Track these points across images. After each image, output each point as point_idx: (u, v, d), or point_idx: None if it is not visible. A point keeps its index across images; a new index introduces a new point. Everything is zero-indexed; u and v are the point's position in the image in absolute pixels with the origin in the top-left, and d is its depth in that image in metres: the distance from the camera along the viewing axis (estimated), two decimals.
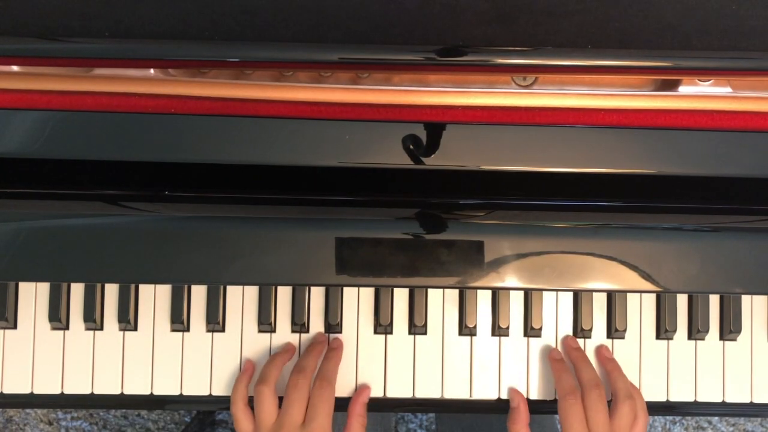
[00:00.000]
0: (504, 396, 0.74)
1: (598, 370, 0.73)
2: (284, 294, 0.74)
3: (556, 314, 0.75)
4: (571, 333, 0.75)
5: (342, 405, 0.72)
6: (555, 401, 0.73)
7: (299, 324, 0.73)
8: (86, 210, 0.63)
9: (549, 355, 0.74)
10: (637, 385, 0.74)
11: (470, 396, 0.74)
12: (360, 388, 0.73)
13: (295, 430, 0.65)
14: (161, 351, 0.73)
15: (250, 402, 0.70)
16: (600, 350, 0.74)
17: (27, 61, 0.60)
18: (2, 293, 0.72)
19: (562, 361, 0.72)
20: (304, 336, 0.74)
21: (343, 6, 0.56)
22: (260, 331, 0.74)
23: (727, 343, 0.75)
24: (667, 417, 1.42)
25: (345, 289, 0.73)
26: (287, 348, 0.73)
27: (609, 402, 0.69)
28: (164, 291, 0.73)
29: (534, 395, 0.74)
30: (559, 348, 0.74)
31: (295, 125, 0.60)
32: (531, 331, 0.74)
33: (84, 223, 0.63)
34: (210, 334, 0.73)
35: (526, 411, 0.71)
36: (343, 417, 0.72)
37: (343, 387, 0.73)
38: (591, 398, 0.67)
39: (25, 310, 0.73)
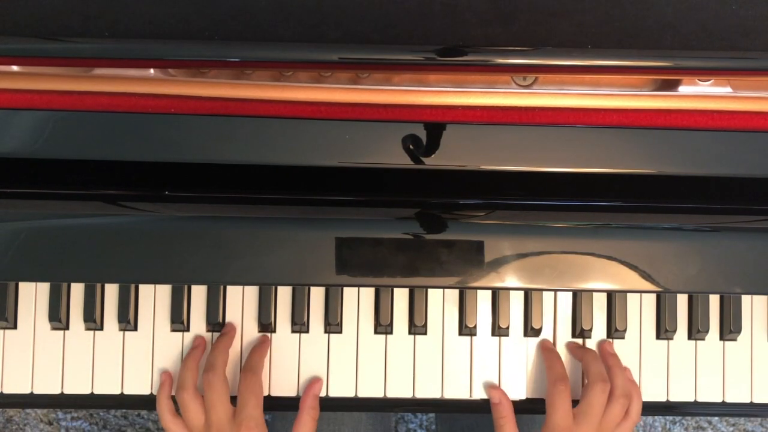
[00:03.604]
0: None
1: None
2: (284, 294, 0.74)
3: (555, 314, 0.75)
4: (570, 333, 0.75)
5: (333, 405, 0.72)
6: None
7: (299, 324, 0.73)
8: (86, 210, 0.63)
9: (541, 345, 0.74)
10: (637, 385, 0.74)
11: (470, 396, 0.74)
12: (312, 381, 0.73)
13: (225, 426, 0.66)
14: (161, 351, 0.73)
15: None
16: (603, 345, 0.74)
17: (27, 61, 0.60)
18: (2, 293, 0.72)
19: (554, 350, 0.73)
20: (303, 335, 0.74)
21: (343, 6, 0.56)
22: (261, 331, 0.74)
23: (727, 343, 0.75)
24: (667, 417, 1.42)
25: (345, 289, 0.73)
26: (196, 344, 0.72)
27: None
28: (164, 291, 0.73)
29: (534, 394, 0.74)
30: (562, 352, 0.74)
31: (295, 125, 0.60)
32: (531, 331, 0.74)
33: (84, 223, 0.63)
34: (210, 334, 0.73)
35: (509, 404, 0.71)
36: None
37: (343, 386, 0.73)
38: (594, 390, 0.67)
39: (25, 310, 0.73)
